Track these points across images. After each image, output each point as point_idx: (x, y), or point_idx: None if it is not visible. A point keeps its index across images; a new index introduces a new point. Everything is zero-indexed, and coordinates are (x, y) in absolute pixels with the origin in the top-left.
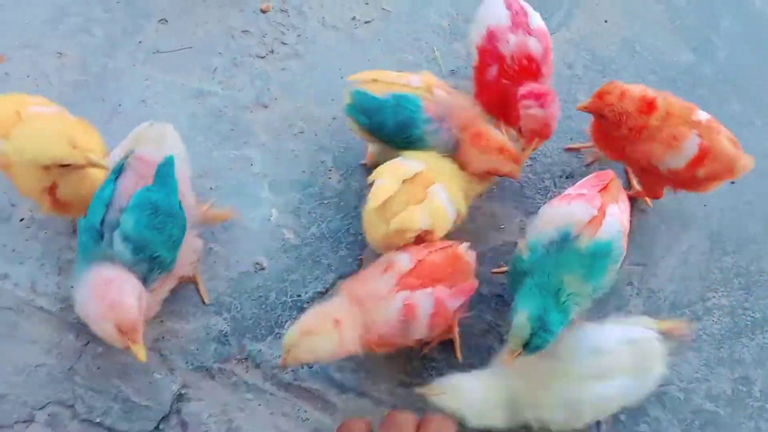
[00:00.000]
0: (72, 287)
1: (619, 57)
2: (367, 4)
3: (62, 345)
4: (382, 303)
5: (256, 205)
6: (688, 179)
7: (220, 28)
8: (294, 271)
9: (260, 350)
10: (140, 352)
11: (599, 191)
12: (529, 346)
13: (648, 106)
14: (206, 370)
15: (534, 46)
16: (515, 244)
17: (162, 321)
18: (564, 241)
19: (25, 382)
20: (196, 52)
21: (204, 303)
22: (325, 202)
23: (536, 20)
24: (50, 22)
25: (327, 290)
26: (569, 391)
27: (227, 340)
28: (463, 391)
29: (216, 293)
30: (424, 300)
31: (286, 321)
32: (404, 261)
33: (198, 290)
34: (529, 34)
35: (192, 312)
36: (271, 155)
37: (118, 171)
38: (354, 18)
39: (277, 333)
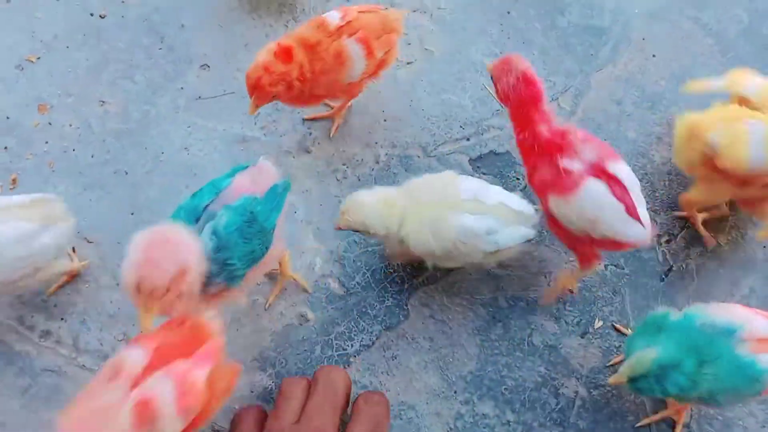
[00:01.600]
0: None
1: (669, 92)
2: (409, 44)
3: None
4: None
5: (300, 253)
6: None
7: None
8: (339, 323)
9: None
10: (145, 321)
11: None
12: (633, 383)
13: None
14: None
15: None
16: (567, 290)
17: None
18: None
19: None
20: (238, 97)
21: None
22: (370, 249)
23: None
24: (93, 70)
25: (373, 342)
26: (439, 214)
27: (272, 398)
28: (365, 205)
29: (260, 348)
30: (159, 386)
31: None
32: (135, 359)
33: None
34: None
35: None
36: (314, 201)
37: (240, 169)
38: (397, 59)
39: None
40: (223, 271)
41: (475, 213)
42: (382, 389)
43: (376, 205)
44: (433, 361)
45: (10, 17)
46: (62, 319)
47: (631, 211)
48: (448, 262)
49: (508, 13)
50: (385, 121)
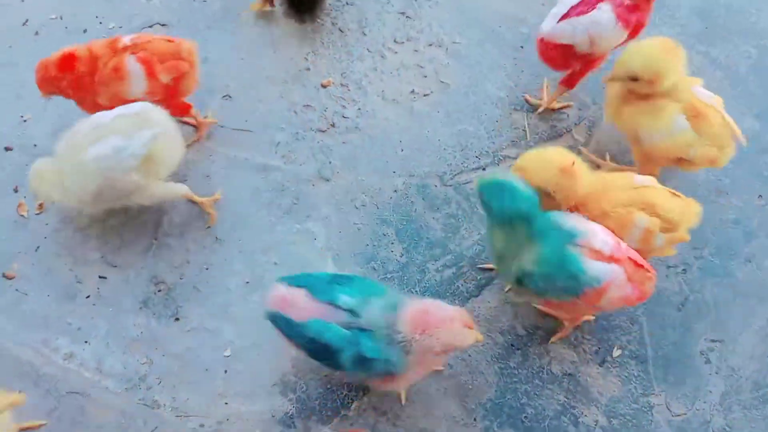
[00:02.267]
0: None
1: None
2: (425, 77)
3: (130, 431)
4: None
5: (327, 260)
6: None
7: (282, 104)
8: None
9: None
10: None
11: None
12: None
13: None
14: None
15: None
16: (584, 319)
17: (227, 403)
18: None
19: None
20: (260, 127)
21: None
22: (388, 276)
23: None
24: None
25: None
26: (77, 158)
27: (293, 423)
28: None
29: (281, 373)
30: None
31: (353, 401)
32: None
33: None
34: None
35: (257, 392)
36: (334, 229)
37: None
38: (413, 91)
39: (344, 414)
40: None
41: (97, 140)
42: (402, 416)
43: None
44: (453, 387)
45: (38, 47)
46: (86, 342)
47: None
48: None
49: (521, 47)
50: (402, 150)
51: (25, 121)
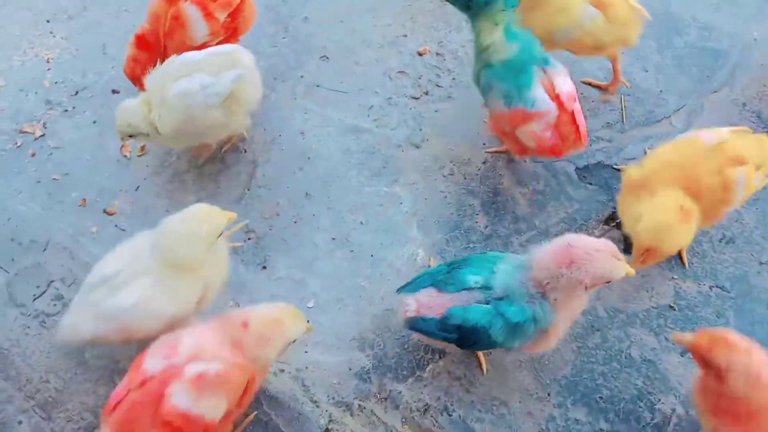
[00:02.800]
0: None
1: None
2: None
3: None
4: None
5: (403, 243)
6: None
7: (377, 68)
8: None
9: (400, 392)
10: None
11: None
12: None
13: None
14: (347, 406)
15: None
16: (669, 306)
17: (306, 351)
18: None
19: None
20: (354, 89)
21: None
22: (471, 246)
23: None
24: None
25: None
26: (164, 92)
27: (368, 378)
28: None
29: (360, 328)
30: None
31: (428, 364)
32: None
33: None
34: None
35: (336, 345)
36: (420, 195)
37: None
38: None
39: (418, 375)
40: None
41: (185, 76)
42: (476, 383)
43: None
44: (528, 361)
45: None
46: None
47: None
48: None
49: None
50: None
51: None
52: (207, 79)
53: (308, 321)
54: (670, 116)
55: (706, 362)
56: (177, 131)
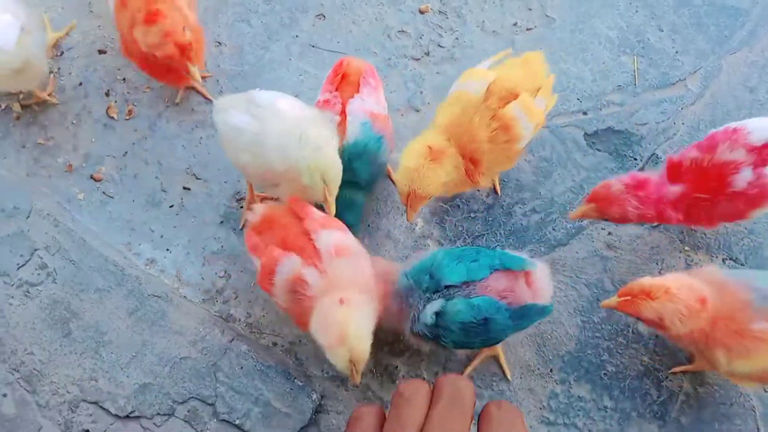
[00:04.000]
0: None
1: None
2: (530, 10)
3: (207, 340)
4: None
5: (401, 211)
6: None
7: (376, 27)
8: None
9: (396, 366)
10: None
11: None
12: None
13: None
14: (341, 380)
15: None
16: None
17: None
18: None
19: (169, 373)
20: (351, 50)
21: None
22: (472, 215)
23: None
24: (212, 11)
25: None
26: None
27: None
28: None
29: None
30: None
31: None
32: None
33: None
34: None
35: None
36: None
37: (508, 265)
38: (515, 24)
39: (415, 350)
40: (435, 337)
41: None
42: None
43: None
44: (530, 336)
45: None
46: (167, 250)
47: None
48: None
49: None
50: None
51: None
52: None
53: None
54: (685, 78)
55: (643, 321)
56: None
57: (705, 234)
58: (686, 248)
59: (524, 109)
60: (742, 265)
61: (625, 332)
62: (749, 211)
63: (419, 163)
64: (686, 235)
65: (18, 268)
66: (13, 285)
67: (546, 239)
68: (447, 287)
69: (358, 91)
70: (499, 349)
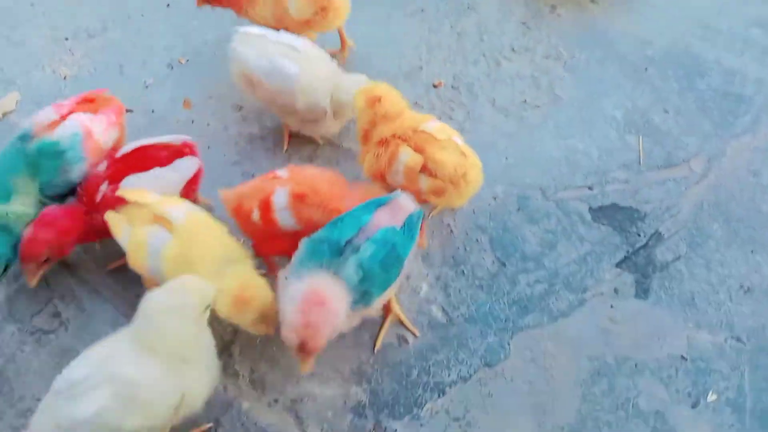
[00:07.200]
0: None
1: None
2: (539, 88)
3: (211, 395)
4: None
5: (407, 277)
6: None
7: None
8: (439, 351)
9: (396, 429)
10: (306, 366)
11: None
12: None
13: None
14: None
15: None
16: (681, 357)
17: (298, 382)
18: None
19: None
20: None
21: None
22: (477, 283)
23: None
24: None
25: (470, 376)
26: None
27: (364, 413)
28: None
29: (358, 362)
30: None
31: (426, 402)
32: None
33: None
34: None
35: (332, 377)
36: (427, 228)
37: (380, 203)
38: (525, 101)
39: (416, 414)
40: (363, 299)
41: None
42: (475, 425)
43: None
44: (531, 406)
45: (169, 20)
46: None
47: None
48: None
49: (645, 70)
50: (506, 159)
51: (147, 86)
52: None
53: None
54: (689, 160)
55: None
56: None
57: (707, 312)
58: (689, 325)
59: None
60: (743, 344)
61: (625, 407)
62: None
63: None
64: (689, 313)
65: (32, 317)
66: (26, 332)
67: (549, 309)
68: (346, 243)
69: (95, 113)
70: (397, 309)
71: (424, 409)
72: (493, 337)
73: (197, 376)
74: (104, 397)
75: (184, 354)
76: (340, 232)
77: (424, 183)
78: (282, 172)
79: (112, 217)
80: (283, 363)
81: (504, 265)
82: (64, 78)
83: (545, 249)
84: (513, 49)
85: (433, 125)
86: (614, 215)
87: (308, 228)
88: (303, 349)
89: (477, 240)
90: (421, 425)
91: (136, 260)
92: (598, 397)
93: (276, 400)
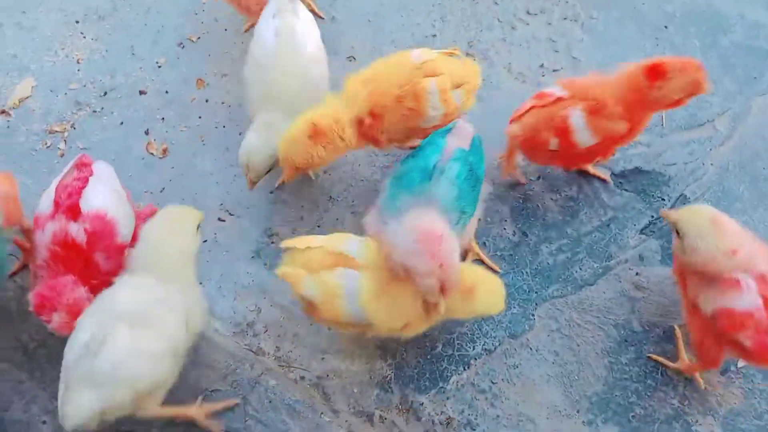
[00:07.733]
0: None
1: None
2: (556, 52)
3: (237, 373)
4: None
5: None
6: None
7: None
8: (462, 323)
9: (422, 403)
10: (443, 306)
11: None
12: None
13: None
14: (367, 416)
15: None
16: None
17: (323, 358)
18: None
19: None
20: None
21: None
22: (498, 254)
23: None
24: (246, 54)
25: (495, 348)
26: None
27: (390, 387)
28: None
29: (383, 337)
30: None
31: (451, 376)
32: None
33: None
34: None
35: (357, 353)
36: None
37: (447, 131)
38: (542, 65)
39: (441, 387)
40: (459, 221)
41: None
42: (502, 397)
43: None
44: (557, 376)
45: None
46: (201, 283)
47: None
48: None
49: (666, 27)
50: None
51: (159, 66)
52: None
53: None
54: (713, 120)
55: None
56: None
57: None
58: None
59: (440, 88)
60: None
61: (654, 374)
62: None
63: (296, 135)
64: None
65: None
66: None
67: (572, 279)
68: (434, 167)
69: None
70: (477, 248)
71: (450, 382)
72: (517, 308)
73: (195, 299)
74: (123, 335)
75: (183, 273)
76: (426, 158)
77: (460, 95)
78: (556, 90)
79: (288, 273)
80: (308, 341)
81: (525, 235)
82: (78, 62)
83: (567, 217)
84: (528, 12)
85: (417, 54)
86: (638, 179)
87: (605, 140)
88: (444, 288)
89: (497, 210)
90: (448, 398)
91: (332, 309)
92: (626, 365)
93: (302, 377)
